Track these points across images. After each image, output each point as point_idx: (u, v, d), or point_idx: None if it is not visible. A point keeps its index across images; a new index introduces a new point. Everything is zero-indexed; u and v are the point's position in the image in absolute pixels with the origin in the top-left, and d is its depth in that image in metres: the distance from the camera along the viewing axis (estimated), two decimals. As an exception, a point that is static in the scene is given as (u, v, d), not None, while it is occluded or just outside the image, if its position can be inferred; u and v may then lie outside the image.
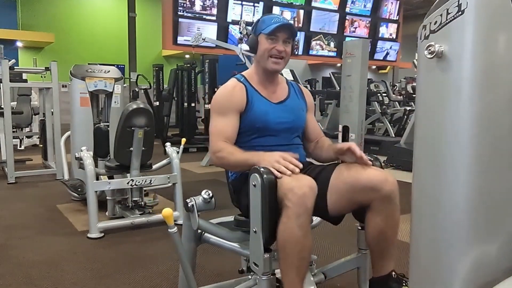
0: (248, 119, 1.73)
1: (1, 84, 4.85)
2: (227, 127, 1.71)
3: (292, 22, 1.82)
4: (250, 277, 1.69)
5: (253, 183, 1.45)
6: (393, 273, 1.64)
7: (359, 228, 1.76)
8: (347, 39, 7.58)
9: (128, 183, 3.06)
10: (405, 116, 8.16)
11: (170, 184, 3.24)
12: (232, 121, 1.71)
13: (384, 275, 1.64)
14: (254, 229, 1.47)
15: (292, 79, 6.75)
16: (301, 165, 1.53)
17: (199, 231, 1.71)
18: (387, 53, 9.20)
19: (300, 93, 1.91)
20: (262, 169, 1.45)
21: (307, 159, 1.87)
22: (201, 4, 6.65)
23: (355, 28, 8.51)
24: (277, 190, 1.45)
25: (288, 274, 1.49)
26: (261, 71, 1.80)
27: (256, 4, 7.14)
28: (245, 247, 1.66)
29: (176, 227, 1.46)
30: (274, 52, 1.72)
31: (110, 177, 3.31)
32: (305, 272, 1.52)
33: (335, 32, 8.20)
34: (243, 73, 1.85)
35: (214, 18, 6.80)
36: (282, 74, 1.94)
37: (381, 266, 1.64)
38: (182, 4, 6.50)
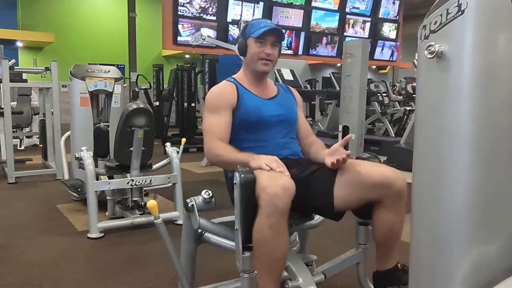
0: (241, 114, 1.77)
1: (1, 84, 4.84)
2: (221, 125, 1.75)
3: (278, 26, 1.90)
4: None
5: (234, 182, 1.48)
6: (399, 265, 1.68)
7: (359, 224, 1.77)
8: (347, 39, 7.58)
9: (128, 183, 3.06)
10: (405, 116, 8.16)
11: (170, 184, 3.24)
12: (225, 118, 1.76)
13: (391, 268, 1.67)
14: (236, 227, 1.49)
15: (292, 79, 6.77)
16: (287, 173, 1.53)
17: (199, 231, 1.72)
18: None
19: (289, 92, 1.99)
20: (241, 168, 1.48)
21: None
22: (201, 4, 6.65)
23: (355, 28, 8.52)
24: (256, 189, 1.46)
25: (260, 274, 1.50)
26: (250, 73, 1.86)
27: (256, 4, 7.14)
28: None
29: (161, 218, 1.53)
30: (263, 55, 1.79)
31: (110, 177, 3.30)
32: (279, 274, 1.52)
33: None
34: (233, 76, 1.91)
35: (214, 18, 6.80)
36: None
37: (388, 260, 1.68)
38: (182, 4, 6.50)
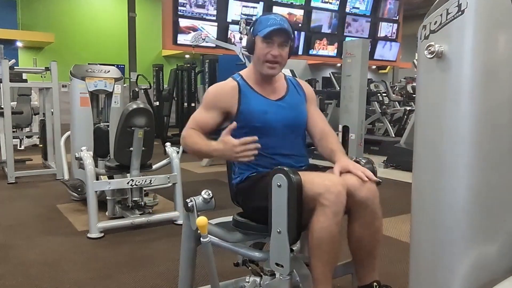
0: (245, 117, 1.69)
1: (1, 84, 4.84)
2: (205, 120, 1.72)
3: (287, 24, 1.82)
4: (247, 278, 1.69)
5: (278, 184, 1.43)
6: (375, 283, 1.60)
7: None
8: (347, 39, 7.58)
9: (128, 183, 3.05)
10: (405, 116, 8.16)
11: (170, 184, 3.24)
12: (212, 118, 1.72)
13: (366, 285, 1.61)
14: (278, 230, 1.46)
15: (292, 79, 6.75)
16: (258, 146, 1.54)
17: (198, 231, 1.71)
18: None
19: (299, 87, 1.86)
20: (287, 169, 1.43)
21: (311, 162, 1.85)
22: (201, 4, 6.65)
23: (355, 28, 8.51)
24: (307, 190, 1.43)
25: (321, 269, 1.49)
26: (258, 72, 1.76)
27: (256, 4, 7.13)
28: (243, 247, 1.67)
29: (209, 237, 1.48)
30: (269, 57, 1.68)
31: (110, 177, 3.30)
32: (335, 265, 1.55)
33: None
34: (240, 72, 1.82)
35: (214, 18, 6.80)
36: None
37: (363, 276, 1.63)
38: (182, 4, 6.50)
